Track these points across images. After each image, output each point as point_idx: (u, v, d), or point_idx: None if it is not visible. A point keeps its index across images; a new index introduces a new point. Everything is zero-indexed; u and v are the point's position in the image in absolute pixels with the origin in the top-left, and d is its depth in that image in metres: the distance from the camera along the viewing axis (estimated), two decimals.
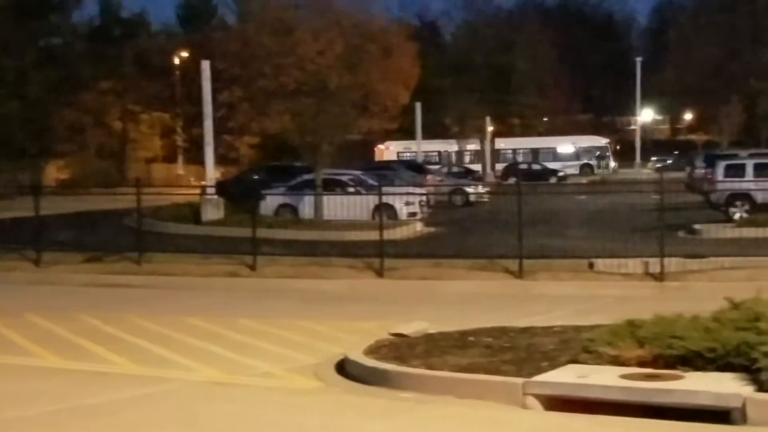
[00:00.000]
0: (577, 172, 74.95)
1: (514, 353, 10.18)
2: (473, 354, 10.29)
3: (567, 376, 8.83)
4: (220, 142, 46.35)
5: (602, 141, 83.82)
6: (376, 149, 76.67)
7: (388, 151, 76.00)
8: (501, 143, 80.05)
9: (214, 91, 31.57)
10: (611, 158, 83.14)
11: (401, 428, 8.43)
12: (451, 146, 79.18)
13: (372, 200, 26.22)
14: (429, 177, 43.56)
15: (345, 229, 25.79)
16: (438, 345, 10.88)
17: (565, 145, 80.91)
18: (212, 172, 33.11)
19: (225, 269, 20.75)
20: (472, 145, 78.04)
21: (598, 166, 78.95)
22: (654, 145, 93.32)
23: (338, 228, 26.04)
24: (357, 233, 24.67)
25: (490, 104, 74.51)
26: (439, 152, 77.85)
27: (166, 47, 74.40)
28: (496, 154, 77.81)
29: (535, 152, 79.24)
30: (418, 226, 28.37)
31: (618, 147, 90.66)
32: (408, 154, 72.26)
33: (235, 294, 18.79)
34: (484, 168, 69.45)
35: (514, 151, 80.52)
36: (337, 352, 11.39)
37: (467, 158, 78.95)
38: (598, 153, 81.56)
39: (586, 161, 79.76)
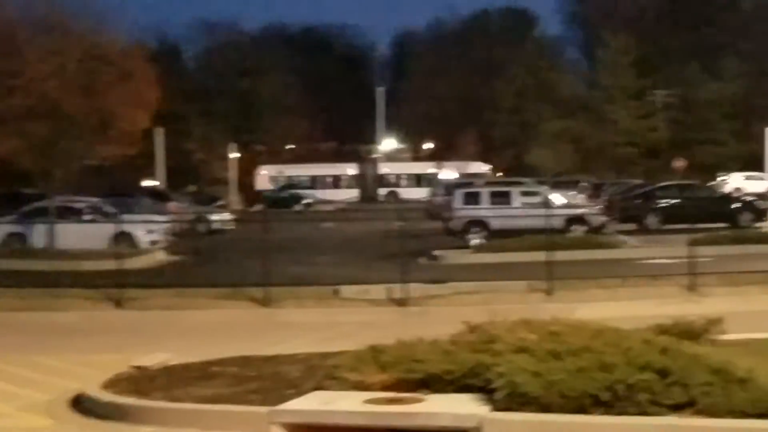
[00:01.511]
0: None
1: (259, 382, 10.04)
2: (218, 384, 10.07)
3: (312, 403, 8.77)
4: None
5: (485, 167, 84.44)
6: (255, 173, 77.08)
7: (261, 175, 76.46)
8: (385, 168, 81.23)
9: None
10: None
11: None
12: (326, 170, 79.73)
13: (110, 228, 25.43)
14: (172, 205, 42.72)
15: (81, 258, 24.85)
16: (181, 376, 10.58)
17: (448, 171, 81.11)
18: None
19: None
20: (351, 170, 78.60)
21: None
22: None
23: (74, 257, 25.06)
24: (94, 263, 23.74)
25: (233, 130, 74.19)
26: (314, 177, 77.92)
27: None
28: (379, 179, 77.26)
29: (418, 177, 79.12)
30: (161, 255, 27.73)
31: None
32: (281, 179, 73.47)
33: None
34: (248, 192, 69.02)
35: (398, 176, 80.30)
36: (72, 387, 10.84)
37: (344, 182, 79.07)
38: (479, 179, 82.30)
39: None
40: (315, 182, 77.94)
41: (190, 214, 42.05)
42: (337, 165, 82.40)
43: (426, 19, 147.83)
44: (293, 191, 70.73)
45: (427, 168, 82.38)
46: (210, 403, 9.29)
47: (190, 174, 75.14)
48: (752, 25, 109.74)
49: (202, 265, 24.63)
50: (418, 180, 79.79)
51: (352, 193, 79.12)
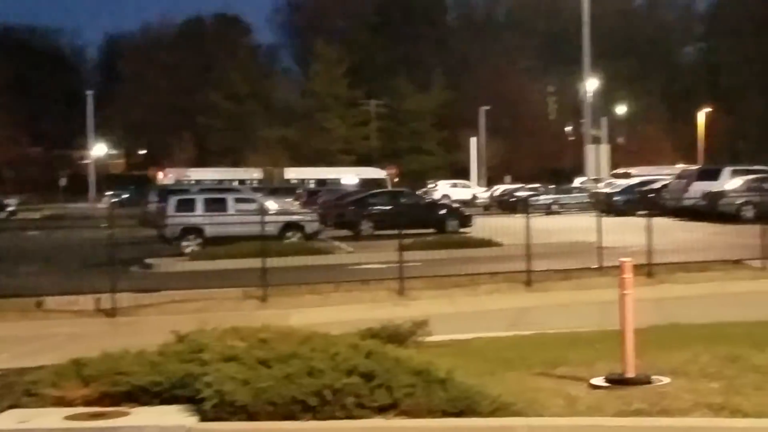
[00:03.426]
0: None
1: None
2: None
3: (7, 423, 8.27)
4: None
5: (383, 173, 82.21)
6: (156, 175, 76.03)
7: (167, 178, 73.97)
8: (291, 173, 79.62)
9: None
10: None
11: None
12: (232, 174, 78.42)
13: None
14: None
15: None
16: None
17: (349, 176, 79.10)
18: None
19: None
20: (256, 174, 78.12)
21: None
22: (110, 180, 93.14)
23: None
24: None
25: None
26: (219, 180, 75.17)
27: None
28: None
29: (321, 182, 76.50)
30: None
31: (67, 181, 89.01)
32: (187, 181, 70.96)
33: None
34: None
35: (303, 181, 78.04)
36: None
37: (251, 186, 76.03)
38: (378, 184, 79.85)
39: None
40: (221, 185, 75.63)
41: None
42: (245, 169, 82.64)
43: (138, 23, 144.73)
44: None
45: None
46: None
47: None
48: (454, 39, 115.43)
49: None
50: None
51: None
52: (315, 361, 7.99)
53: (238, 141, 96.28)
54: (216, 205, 31.81)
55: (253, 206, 30.42)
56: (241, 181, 79.92)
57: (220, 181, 78.44)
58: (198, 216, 31.09)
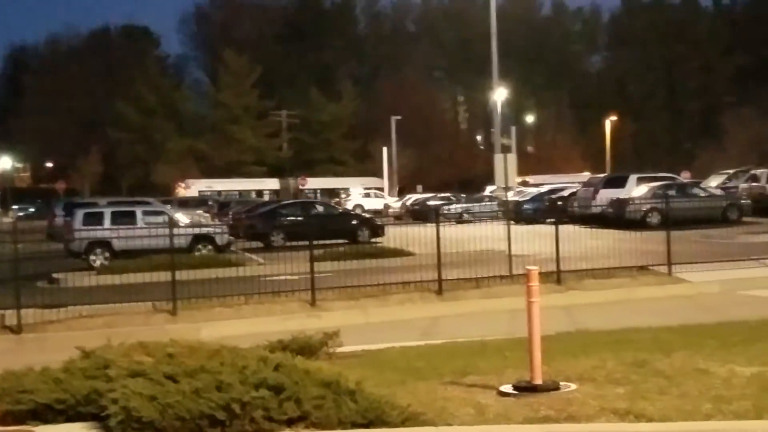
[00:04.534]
0: None
1: None
2: None
3: None
4: None
5: (381, 182, 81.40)
6: (176, 187, 76.30)
7: (190, 189, 74.06)
8: (312, 182, 79.85)
9: None
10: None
11: None
12: (253, 185, 79.07)
13: None
14: None
15: None
16: None
17: (357, 186, 79.02)
18: None
19: None
20: (271, 185, 79.20)
21: None
22: (15, 193, 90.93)
23: None
24: None
25: None
26: (240, 191, 75.34)
27: None
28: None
29: (331, 192, 76.90)
30: None
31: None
32: (210, 192, 71.20)
33: None
34: None
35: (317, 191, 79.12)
36: None
37: (266, 196, 76.23)
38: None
39: None
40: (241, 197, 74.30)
41: None
42: (263, 180, 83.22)
43: (44, 34, 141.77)
44: None
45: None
46: None
47: None
48: (364, 49, 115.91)
49: None
50: None
51: None
52: (223, 375, 7.91)
53: (147, 153, 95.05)
54: (124, 219, 31.32)
55: (162, 219, 30.02)
56: (259, 192, 79.83)
57: (241, 193, 78.54)
58: (106, 230, 30.59)
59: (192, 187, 78.66)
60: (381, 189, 76.02)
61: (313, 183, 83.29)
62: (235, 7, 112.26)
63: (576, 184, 48.42)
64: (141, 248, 26.06)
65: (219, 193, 76.54)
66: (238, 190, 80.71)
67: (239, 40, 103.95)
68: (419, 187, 77.20)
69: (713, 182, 45.92)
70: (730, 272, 21.79)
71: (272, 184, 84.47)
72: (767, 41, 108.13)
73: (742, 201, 38.21)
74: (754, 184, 42.75)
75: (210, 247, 30.97)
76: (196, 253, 29.44)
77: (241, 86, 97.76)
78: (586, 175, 74.04)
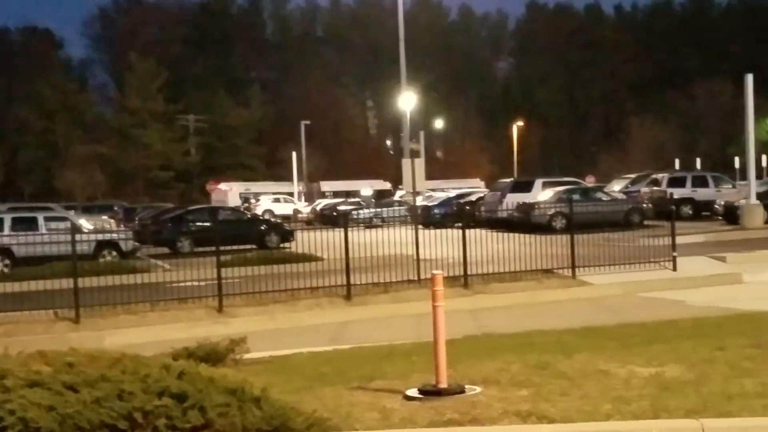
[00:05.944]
0: None
1: None
2: None
3: None
4: None
5: (387, 184, 79.36)
6: (213, 190, 76.45)
7: (231, 191, 74.54)
8: (325, 186, 78.45)
9: None
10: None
11: None
12: (287, 188, 77.27)
13: None
14: None
15: None
16: None
17: (366, 188, 77.22)
18: None
19: None
20: (300, 187, 78.02)
21: None
22: None
23: None
24: None
25: None
26: (275, 194, 73.62)
27: None
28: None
29: (347, 194, 73.25)
30: None
31: None
32: (247, 195, 71.75)
33: None
34: None
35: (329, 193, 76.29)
36: None
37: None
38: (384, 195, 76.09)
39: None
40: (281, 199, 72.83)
41: None
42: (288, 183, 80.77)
43: None
44: None
45: None
46: None
47: None
48: (273, 54, 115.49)
49: None
50: None
51: None
52: (125, 384, 7.76)
53: (49, 158, 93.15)
54: (25, 225, 30.66)
55: (65, 225, 29.46)
56: (289, 194, 78.22)
57: (276, 195, 76.98)
58: (5, 236, 29.88)
59: (233, 189, 77.77)
60: (390, 193, 75.07)
61: (329, 186, 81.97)
62: (140, 10, 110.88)
63: (466, 189, 49.60)
64: (43, 255, 25.51)
65: (257, 196, 76.40)
66: (272, 193, 79.42)
67: (145, 43, 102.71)
68: (329, 192, 77.27)
69: (616, 186, 46.86)
70: (631, 275, 22.22)
71: (298, 187, 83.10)
72: (668, 49, 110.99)
73: (644, 205, 38.99)
74: (655, 188, 43.69)
75: (115, 253, 30.48)
76: (101, 260, 28.94)
77: (147, 90, 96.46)
78: (476, 181, 75.57)
